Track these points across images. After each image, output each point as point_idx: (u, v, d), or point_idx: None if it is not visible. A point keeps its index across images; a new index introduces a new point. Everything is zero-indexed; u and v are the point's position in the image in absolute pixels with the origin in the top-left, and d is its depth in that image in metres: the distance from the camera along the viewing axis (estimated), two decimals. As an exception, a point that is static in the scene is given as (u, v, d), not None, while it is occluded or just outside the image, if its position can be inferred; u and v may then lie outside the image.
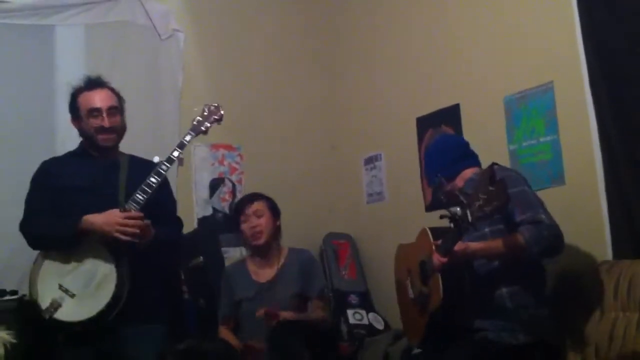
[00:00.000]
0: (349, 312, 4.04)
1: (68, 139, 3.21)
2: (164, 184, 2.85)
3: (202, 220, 4.10)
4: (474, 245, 2.59)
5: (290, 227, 3.43)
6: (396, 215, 4.15)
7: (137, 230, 2.64)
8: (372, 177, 4.40)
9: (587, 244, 2.95)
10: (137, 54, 3.95)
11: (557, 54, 3.19)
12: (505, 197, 2.24)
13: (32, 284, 2.68)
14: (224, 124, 3.01)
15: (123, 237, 2.63)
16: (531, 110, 3.30)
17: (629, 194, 2.84)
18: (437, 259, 2.58)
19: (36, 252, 2.76)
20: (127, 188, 2.78)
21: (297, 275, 3.26)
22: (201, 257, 3.69)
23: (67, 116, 2.92)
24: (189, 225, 3.84)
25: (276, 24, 4.55)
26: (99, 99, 2.80)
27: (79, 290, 2.65)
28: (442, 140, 3.26)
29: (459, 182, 2.82)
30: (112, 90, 2.88)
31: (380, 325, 4.05)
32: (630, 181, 2.83)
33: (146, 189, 2.72)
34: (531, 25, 3.32)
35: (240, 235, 3.38)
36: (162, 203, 2.87)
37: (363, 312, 4.10)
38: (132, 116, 2.96)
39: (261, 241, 3.25)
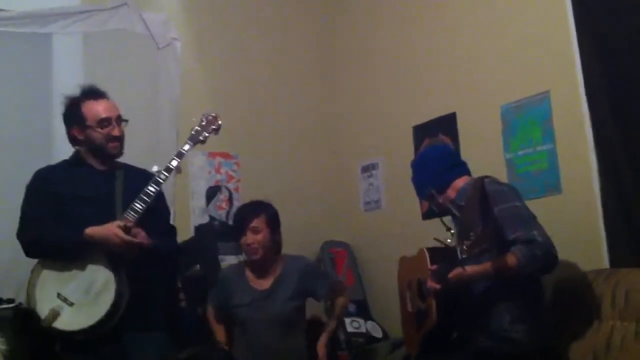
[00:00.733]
0: (347, 320, 4.01)
1: (66, 147, 3.20)
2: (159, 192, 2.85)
3: (199, 228, 4.09)
4: (470, 270, 2.59)
5: (287, 235, 3.42)
6: (393, 224, 4.16)
7: (136, 247, 2.64)
8: (369, 185, 4.41)
9: (584, 253, 2.96)
10: (135, 62, 3.95)
11: (554, 63, 3.21)
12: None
13: (30, 292, 2.66)
14: (221, 132, 3.02)
15: (124, 252, 2.64)
16: (527, 119, 3.32)
17: (625, 202, 2.85)
18: (431, 285, 2.60)
19: (34, 261, 2.74)
20: (125, 197, 2.78)
21: (296, 283, 3.25)
22: (198, 266, 3.68)
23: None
24: (186, 233, 3.84)
25: (274, 33, 4.57)
26: (107, 108, 2.82)
27: (78, 299, 2.64)
28: (428, 152, 3.28)
29: (451, 192, 2.83)
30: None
31: (378, 334, 4.05)
32: (627, 189, 2.84)
33: (145, 198, 2.72)
34: (527, 35, 3.34)
35: (238, 245, 3.38)
36: (157, 212, 2.86)
37: (361, 321, 4.09)
38: (130, 125, 2.94)
39: (257, 257, 3.24)
